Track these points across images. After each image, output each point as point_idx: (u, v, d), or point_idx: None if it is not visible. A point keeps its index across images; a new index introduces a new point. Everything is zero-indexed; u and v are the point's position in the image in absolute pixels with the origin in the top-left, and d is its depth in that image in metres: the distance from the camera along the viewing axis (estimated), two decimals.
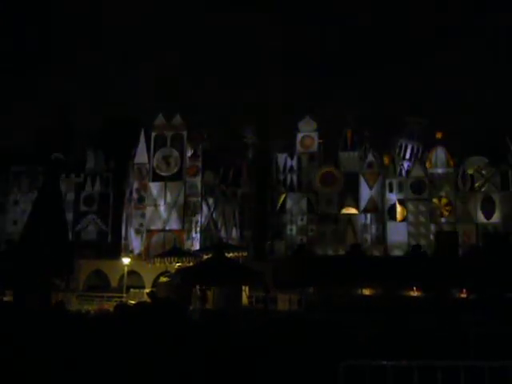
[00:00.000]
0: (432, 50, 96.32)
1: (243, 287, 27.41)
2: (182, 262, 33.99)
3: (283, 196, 50.13)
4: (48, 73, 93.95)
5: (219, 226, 46.34)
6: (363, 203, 48.47)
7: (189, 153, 46.08)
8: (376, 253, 44.76)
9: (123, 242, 45.66)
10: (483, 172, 47.04)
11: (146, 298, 30.54)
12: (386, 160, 50.16)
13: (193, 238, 44.04)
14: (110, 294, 35.36)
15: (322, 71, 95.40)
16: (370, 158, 49.33)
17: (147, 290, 34.52)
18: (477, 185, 47.02)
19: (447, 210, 47.08)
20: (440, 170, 47.97)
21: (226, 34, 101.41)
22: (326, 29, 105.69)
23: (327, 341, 12.24)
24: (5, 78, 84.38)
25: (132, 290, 35.61)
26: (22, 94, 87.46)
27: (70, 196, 49.35)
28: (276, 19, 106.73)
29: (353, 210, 48.61)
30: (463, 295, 26.17)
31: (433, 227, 46.13)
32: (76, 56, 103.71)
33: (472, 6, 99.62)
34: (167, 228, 44.63)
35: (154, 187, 45.61)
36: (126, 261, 37.34)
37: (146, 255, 42.51)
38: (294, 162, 50.95)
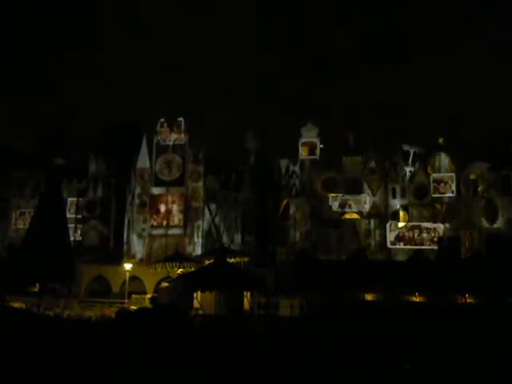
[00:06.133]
0: (432, 51, 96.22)
1: (245, 292, 27.35)
2: (184, 268, 33.98)
3: (285, 201, 50.10)
4: (48, 73, 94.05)
5: (221, 231, 46.30)
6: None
7: (191, 158, 46.11)
8: (379, 258, 44.63)
9: (125, 247, 45.63)
10: (485, 177, 46.98)
11: (147, 304, 30.57)
12: (389, 165, 50.13)
13: (195, 243, 44.01)
14: (112, 300, 35.37)
15: (322, 74, 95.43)
16: (372, 163, 49.33)
17: (149, 296, 34.52)
18: (479, 190, 46.95)
19: (450, 215, 47.00)
20: (442, 175, 47.92)
21: (225, 34, 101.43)
22: (325, 29, 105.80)
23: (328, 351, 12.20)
24: (5, 78, 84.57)
25: (134, 295, 35.60)
26: (22, 96, 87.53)
27: (72, 201, 49.41)
28: (275, 17, 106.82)
29: (355, 215, 48.54)
30: (466, 300, 26.07)
31: (435, 232, 46.04)
32: (76, 57, 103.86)
33: (471, 6, 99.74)
34: (169, 233, 44.60)
35: (156, 192, 45.64)
36: (127, 266, 37.33)
37: (147, 260, 42.48)
38: (297, 168, 50.94)
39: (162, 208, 45.25)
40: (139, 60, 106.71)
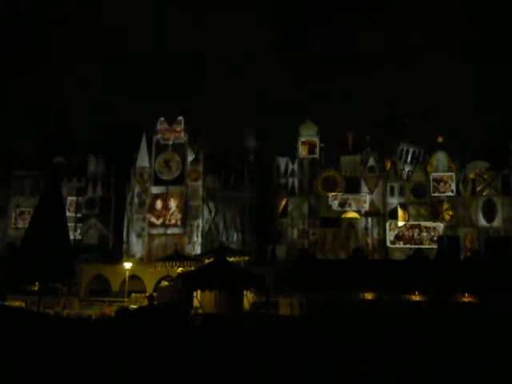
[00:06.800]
0: (431, 50, 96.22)
1: (245, 292, 27.36)
2: (184, 267, 34.01)
3: (284, 200, 50.13)
4: (47, 74, 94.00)
5: (220, 230, 46.34)
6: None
7: (190, 157, 46.13)
8: (377, 257, 44.70)
9: (124, 246, 45.67)
10: (485, 176, 47.02)
11: (147, 303, 30.55)
12: (388, 164, 50.19)
13: (194, 242, 44.04)
14: (112, 299, 35.38)
15: (322, 72, 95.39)
16: (372, 161, 49.36)
17: (148, 294, 34.52)
18: (478, 189, 46.99)
19: (448, 214, 47.05)
20: (441, 174, 47.98)
21: (225, 34, 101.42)
22: (325, 29, 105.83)
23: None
24: (5, 78, 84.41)
25: (133, 294, 35.60)
26: (22, 95, 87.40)
27: (72, 200, 49.45)
28: (275, 18, 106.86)
29: (354, 214, 48.59)
30: (465, 299, 26.10)
31: (434, 231, 46.11)
32: (76, 56, 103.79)
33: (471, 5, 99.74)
34: (168, 232, 44.63)
35: (156, 191, 45.68)
36: (127, 265, 37.34)
37: (147, 259, 42.52)
38: (296, 166, 50.95)
39: (162, 207, 45.26)
40: (139, 59, 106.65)
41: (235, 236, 47.48)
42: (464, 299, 24.74)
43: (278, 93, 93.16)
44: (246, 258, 36.80)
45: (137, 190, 46.08)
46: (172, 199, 45.21)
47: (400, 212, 47.75)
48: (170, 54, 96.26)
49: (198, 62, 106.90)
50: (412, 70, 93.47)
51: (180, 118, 46.85)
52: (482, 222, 46.20)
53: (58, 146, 53.12)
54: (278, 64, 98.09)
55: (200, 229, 44.44)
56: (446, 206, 47.21)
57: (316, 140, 51.36)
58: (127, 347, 12.45)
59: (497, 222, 45.99)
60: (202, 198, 45.14)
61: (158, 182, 45.86)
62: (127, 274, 36.82)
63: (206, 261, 32.37)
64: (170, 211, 45.03)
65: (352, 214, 48.61)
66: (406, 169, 50.95)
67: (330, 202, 48.74)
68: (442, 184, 47.71)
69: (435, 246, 42.40)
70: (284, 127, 59.77)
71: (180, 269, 33.88)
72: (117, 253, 45.30)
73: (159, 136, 46.52)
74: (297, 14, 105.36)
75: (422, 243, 45.84)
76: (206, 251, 40.04)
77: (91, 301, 35.78)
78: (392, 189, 48.44)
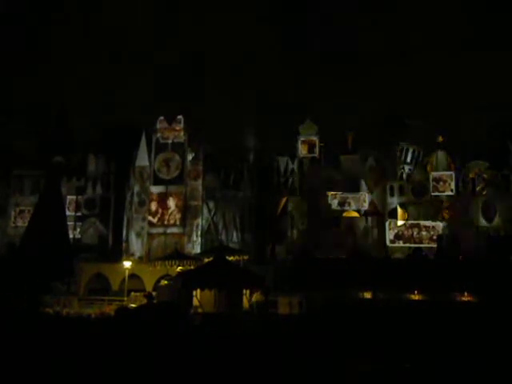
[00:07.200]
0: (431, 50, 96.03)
1: (244, 291, 27.37)
2: (183, 266, 34.01)
3: (284, 199, 50.11)
4: (47, 74, 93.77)
5: (220, 229, 46.31)
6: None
7: (190, 156, 46.08)
8: (377, 256, 44.66)
9: (124, 245, 45.62)
10: (484, 176, 47.02)
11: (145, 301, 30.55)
12: (388, 163, 50.19)
13: (193, 242, 44.00)
14: (111, 298, 35.39)
15: (322, 72, 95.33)
16: (371, 161, 49.36)
17: (146, 293, 34.52)
18: (478, 188, 47.00)
19: (448, 214, 47.04)
20: (441, 174, 47.97)
21: (225, 34, 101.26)
22: (325, 29, 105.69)
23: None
24: (4, 78, 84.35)
25: (133, 293, 35.60)
26: (22, 95, 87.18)
27: (71, 199, 49.40)
28: (275, 18, 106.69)
29: (354, 214, 48.58)
30: (465, 298, 26.10)
31: (434, 231, 46.09)
32: (76, 56, 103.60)
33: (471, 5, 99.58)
34: (168, 231, 44.59)
35: (155, 190, 45.63)
36: (127, 264, 37.35)
37: (146, 259, 42.49)
38: (295, 166, 50.93)
39: (161, 206, 45.21)
40: (139, 59, 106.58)
41: (235, 235, 47.46)
42: (463, 298, 24.75)
43: (278, 93, 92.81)
44: (246, 258, 36.79)
45: (136, 189, 46.03)
46: (171, 198, 45.16)
47: (400, 211, 47.74)
48: (170, 54, 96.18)
49: (198, 61, 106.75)
50: (412, 70, 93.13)
51: (179, 117, 46.77)
52: (482, 221, 46.20)
53: (58, 145, 53.03)
54: (278, 64, 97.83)
55: (199, 228, 44.39)
56: (445, 205, 47.21)
57: (316, 139, 51.39)
58: (127, 346, 12.45)
59: (496, 222, 46.00)
60: (201, 198, 45.09)
61: (157, 181, 45.79)
62: (127, 272, 36.82)
63: (206, 260, 32.38)
64: (170, 210, 44.98)
65: (352, 214, 48.61)
66: (406, 168, 50.96)
67: (330, 201, 48.74)
68: (441, 183, 47.71)
69: (435, 246, 42.44)
70: (284, 127, 59.67)
71: (179, 268, 33.89)
72: (116, 252, 45.27)
73: (159, 135, 46.45)
74: (297, 13, 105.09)
75: (421, 242, 45.85)
76: (205, 250, 40.01)
77: (91, 300, 35.78)
78: (392, 188, 48.46)
